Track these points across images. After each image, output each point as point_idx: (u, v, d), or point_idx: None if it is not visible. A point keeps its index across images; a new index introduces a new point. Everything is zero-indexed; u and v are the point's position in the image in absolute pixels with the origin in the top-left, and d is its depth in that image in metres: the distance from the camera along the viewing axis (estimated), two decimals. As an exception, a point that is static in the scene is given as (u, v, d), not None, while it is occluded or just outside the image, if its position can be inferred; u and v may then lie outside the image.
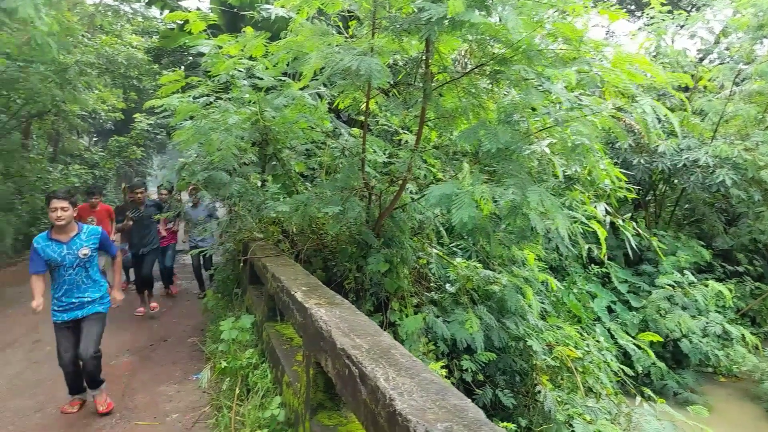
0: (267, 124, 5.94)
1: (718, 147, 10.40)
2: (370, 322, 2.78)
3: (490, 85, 4.94)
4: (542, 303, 7.44)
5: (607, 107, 4.50)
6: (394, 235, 5.65)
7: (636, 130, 9.68)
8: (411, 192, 6.12)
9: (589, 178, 6.71)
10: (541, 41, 4.09)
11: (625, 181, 6.85)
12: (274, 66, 5.42)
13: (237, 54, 5.48)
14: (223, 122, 5.49)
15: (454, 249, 7.85)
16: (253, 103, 5.84)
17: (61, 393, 4.49)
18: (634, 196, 6.91)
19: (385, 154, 6.24)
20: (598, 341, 7.31)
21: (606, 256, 9.11)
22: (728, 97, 11.57)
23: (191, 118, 5.85)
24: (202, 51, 5.75)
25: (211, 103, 5.88)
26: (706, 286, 10.26)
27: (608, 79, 4.04)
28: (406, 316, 5.44)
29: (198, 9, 9.60)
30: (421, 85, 4.71)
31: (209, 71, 5.80)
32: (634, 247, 7.62)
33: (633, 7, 20.07)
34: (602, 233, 6.00)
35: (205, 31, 5.53)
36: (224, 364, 4.54)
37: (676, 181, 12.29)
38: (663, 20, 12.31)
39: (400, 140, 7.19)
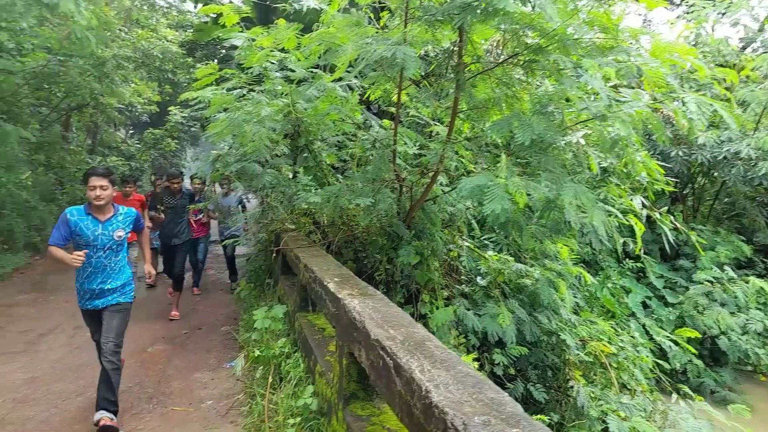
0: (299, 115, 5.97)
1: (761, 139, 10.10)
2: (404, 313, 2.77)
3: (524, 76, 4.85)
4: (575, 297, 7.31)
5: (644, 99, 4.36)
6: (424, 227, 5.63)
7: (673, 121, 9.39)
8: (442, 184, 6.08)
9: (625, 170, 6.54)
10: (576, 30, 3.98)
11: (663, 174, 6.67)
12: (306, 58, 5.42)
13: (269, 46, 5.50)
14: (255, 114, 5.53)
15: (485, 242, 7.78)
16: (286, 95, 5.87)
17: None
18: (672, 189, 6.69)
19: (416, 145, 6.21)
20: (633, 337, 7.16)
21: (642, 251, 8.89)
22: (773, 87, 11.14)
23: (225, 110, 5.90)
24: (235, 44, 5.79)
25: (244, 95, 5.93)
26: (747, 282, 10.02)
27: (647, 72, 3.92)
28: (437, 308, 5.42)
29: (231, 2, 9.69)
30: (452, 75, 4.66)
31: (242, 64, 5.84)
32: (671, 241, 7.42)
33: (672, -6, 19.38)
34: (639, 228, 5.83)
35: (238, 23, 5.57)
36: (257, 352, 4.60)
37: (716, 173, 11.96)
38: (704, 8, 11.87)
39: (430, 132, 7.14)
